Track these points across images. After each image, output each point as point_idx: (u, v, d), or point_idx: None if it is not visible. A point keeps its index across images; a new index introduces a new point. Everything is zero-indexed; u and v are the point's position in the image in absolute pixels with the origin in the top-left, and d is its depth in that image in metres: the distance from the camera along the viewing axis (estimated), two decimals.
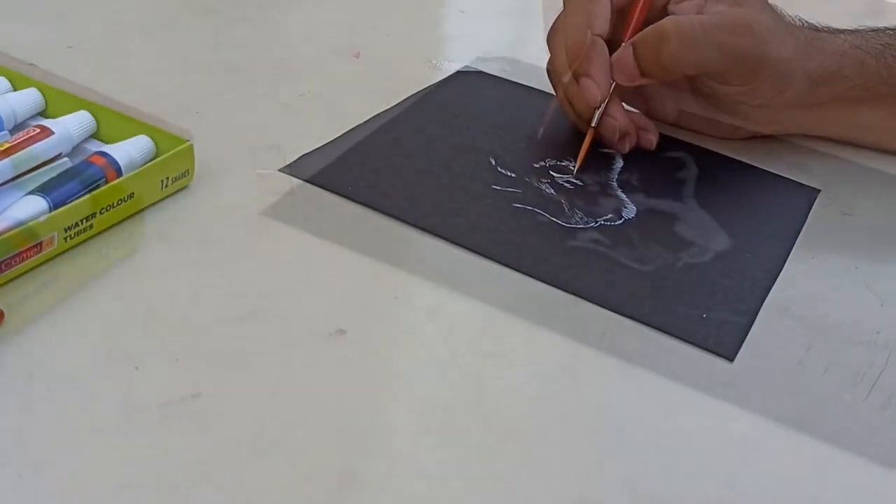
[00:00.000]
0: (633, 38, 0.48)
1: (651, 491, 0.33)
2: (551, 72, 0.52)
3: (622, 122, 0.50)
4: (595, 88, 0.49)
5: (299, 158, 0.48)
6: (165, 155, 0.41)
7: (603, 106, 0.49)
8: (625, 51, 0.48)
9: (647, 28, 0.48)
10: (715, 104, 0.52)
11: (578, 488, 0.33)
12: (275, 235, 0.42)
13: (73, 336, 0.36)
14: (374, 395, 0.36)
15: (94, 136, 0.44)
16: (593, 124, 0.50)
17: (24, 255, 0.36)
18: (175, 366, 0.35)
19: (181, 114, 0.49)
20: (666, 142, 0.53)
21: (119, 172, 0.41)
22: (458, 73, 0.59)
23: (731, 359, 0.39)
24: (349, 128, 0.51)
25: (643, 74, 0.48)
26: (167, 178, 0.42)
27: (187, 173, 0.43)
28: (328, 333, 0.37)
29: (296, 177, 0.46)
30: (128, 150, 0.42)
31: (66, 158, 0.43)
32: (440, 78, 0.58)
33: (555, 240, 0.44)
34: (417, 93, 0.56)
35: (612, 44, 0.50)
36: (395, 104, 0.54)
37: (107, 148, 0.41)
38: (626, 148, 0.51)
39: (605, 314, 0.40)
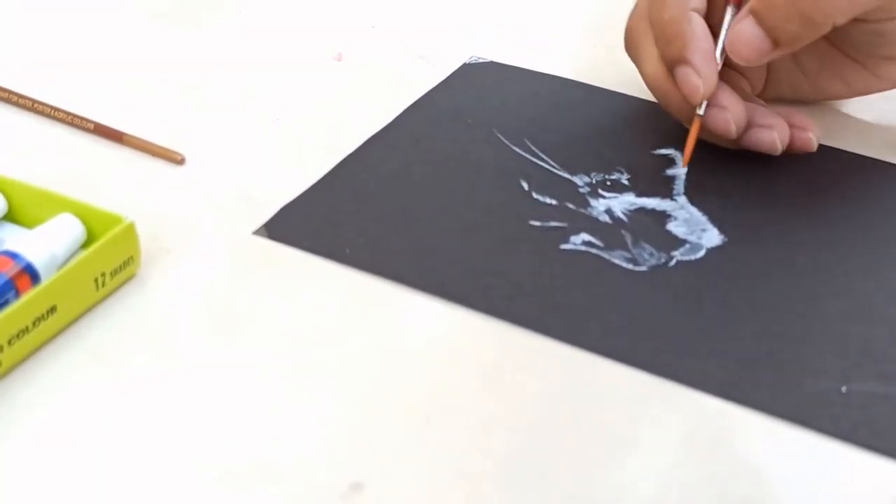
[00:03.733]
0: (752, 5, 0.37)
1: None
2: (642, 70, 0.42)
3: (737, 112, 0.38)
4: (695, 78, 0.38)
5: (278, 213, 0.37)
6: (97, 243, 0.31)
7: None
8: (742, 23, 0.37)
9: None
10: (850, 56, 0.41)
11: None
12: (255, 335, 0.32)
13: None
14: None
15: (5, 217, 0.34)
16: (700, 113, 0.39)
17: None
18: None
19: (115, 158, 0.39)
20: (653, 140, 0.42)
21: (35, 278, 0.30)
22: (465, 66, 0.48)
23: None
24: (338, 159, 0.40)
25: (777, 44, 0.37)
26: (103, 275, 0.31)
27: (130, 261, 0.32)
28: (341, 491, 0.26)
29: (275, 240, 0.36)
30: (46, 243, 0.31)
31: None
32: (438, 74, 0.47)
33: (624, 293, 0.34)
34: (419, 99, 0.45)
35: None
36: (394, 118, 0.43)
37: (16, 244, 0.31)
38: (778, 147, 0.39)
39: (713, 406, 0.30)
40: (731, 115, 0.38)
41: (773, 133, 0.39)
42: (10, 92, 0.42)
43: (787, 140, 0.39)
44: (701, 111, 0.38)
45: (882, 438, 0.28)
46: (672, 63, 0.39)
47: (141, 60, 0.47)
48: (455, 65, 0.48)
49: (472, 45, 0.51)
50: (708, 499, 0.27)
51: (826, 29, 0.37)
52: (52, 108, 0.42)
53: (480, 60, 0.49)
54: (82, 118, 0.41)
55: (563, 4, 0.57)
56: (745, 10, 0.37)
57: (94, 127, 0.41)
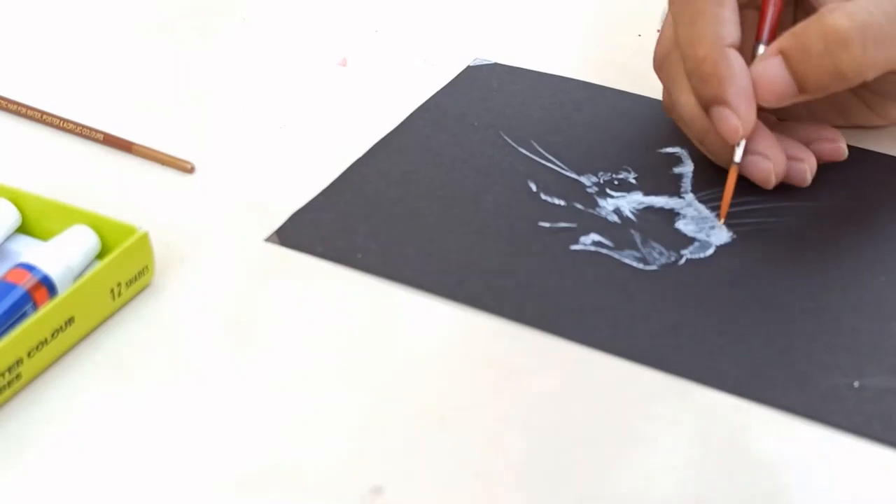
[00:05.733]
0: (783, 46, 0.35)
1: None
2: (672, 108, 0.40)
3: (777, 161, 0.37)
4: (734, 119, 0.36)
5: (289, 220, 0.37)
6: (113, 254, 0.31)
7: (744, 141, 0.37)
8: (769, 63, 0.35)
9: (799, 31, 0.35)
10: (856, 93, 0.40)
11: None
12: (274, 338, 0.32)
13: None
14: None
15: (19, 229, 0.34)
16: (736, 160, 0.37)
17: None
18: None
19: (125, 168, 0.39)
20: (660, 138, 0.43)
21: (52, 290, 0.30)
22: (469, 68, 0.49)
23: None
24: (347, 164, 0.41)
25: (803, 90, 0.35)
26: (119, 285, 0.31)
27: (145, 271, 0.32)
28: (361, 494, 0.27)
29: (287, 246, 0.36)
30: (61, 255, 0.31)
31: None
32: (443, 77, 0.47)
33: (635, 292, 0.34)
34: (424, 103, 0.45)
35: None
36: (400, 122, 0.44)
37: (32, 256, 0.31)
38: (808, 179, 0.39)
39: (727, 403, 0.30)
40: (772, 165, 0.37)
41: (804, 166, 0.38)
42: (19, 104, 0.43)
43: (815, 169, 0.39)
44: (738, 157, 0.37)
45: (893, 435, 0.29)
46: (708, 103, 0.37)
47: (147, 70, 0.48)
48: (459, 67, 0.49)
49: (476, 46, 0.51)
50: (723, 496, 0.27)
51: (856, 83, 0.35)
52: (60, 119, 0.42)
53: (484, 62, 0.49)
54: (91, 128, 0.41)
55: (565, 4, 0.58)
56: (773, 47, 0.35)
57: (104, 137, 0.41)
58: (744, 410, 0.30)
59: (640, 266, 0.35)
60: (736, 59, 0.36)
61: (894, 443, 0.28)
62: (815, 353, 0.32)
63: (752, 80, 0.35)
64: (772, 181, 0.37)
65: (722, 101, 0.36)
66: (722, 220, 0.37)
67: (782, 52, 0.35)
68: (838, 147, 0.39)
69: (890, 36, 0.34)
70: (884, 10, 0.34)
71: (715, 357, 0.31)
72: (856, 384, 0.30)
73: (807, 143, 0.39)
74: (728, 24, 0.36)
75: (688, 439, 0.29)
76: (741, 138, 0.36)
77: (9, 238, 0.34)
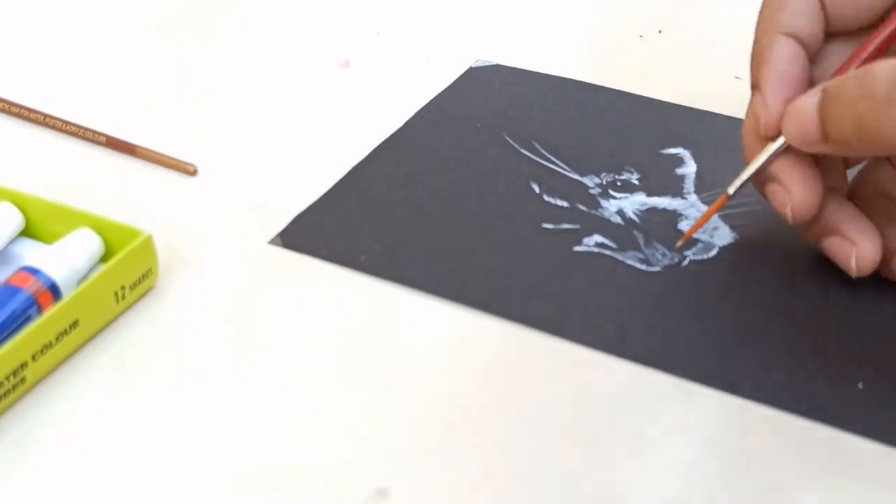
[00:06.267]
0: (827, 83, 0.31)
1: None
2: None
3: (796, 195, 0.33)
4: (761, 106, 0.33)
5: (292, 222, 0.37)
6: (116, 257, 0.31)
7: (759, 164, 0.33)
8: (807, 97, 0.31)
9: (850, 72, 0.31)
10: None
11: None
12: (278, 340, 0.32)
13: None
14: None
15: (23, 232, 0.34)
16: (730, 191, 0.34)
17: None
18: None
19: (128, 171, 0.39)
20: (662, 139, 0.43)
21: (56, 293, 0.30)
22: (471, 69, 0.49)
23: None
24: (350, 166, 0.41)
25: (825, 138, 0.31)
26: (122, 288, 0.31)
27: (149, 274, 0.32)
28: (366, 496, 0.27)
29: (291, 249, 0.36)
30: (66, 259, 0.31)
31: None
32: (445, 78, 0.47)
33: (639, 294, 0.34)
34: (427, 104, 0.45)
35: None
36: (403, 124, 0.44)
37: (36, 259, 0.31)
38: (852, 268, 0.33)
39: (732, 404, 0.30)
40: (788, 197, 0.33)
41: (850, 248, 0.33)
42: (22, 107, 0.43)
43: (869, 262, 0.33)
44: (731, 189, 0.34)
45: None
46: (752, 88, 0.34)
47: (149, 71, 0.48)
48: (461, 68, 0.49)
49: (478, 47, 0.51)
50: (731, 496, 0.27)
51: (884, 149, 0.31)
52: (63, 121, 0.42)
53: (486, 63, 0.49)
54: (94, 131, 0.41)
55: (566, 5, 0.58)
56: (820, 86, 0.31)
57: (107, 140, 0.41)
58: (749, 411, 0.30)
59: (644, 267, 0.35)
60: (785, 47, 0.33)
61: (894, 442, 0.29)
62: (818, 353, 0.32)
63: (786, 112, 0.32)
64: (788, 215, 0.33)
65: (757, 87, 0.33)
66: (679, 244, 0.36)
67: (823, 90, 0.31)
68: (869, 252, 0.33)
69: None
70: None
71: (719, 359, 0.31)
72: (860, 385, 0.30)
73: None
74: (789, 13, 0.33)
75: (694, 441, 0.29)
76: (763, 129, 0.33)
77: (12, 241, 0.34)
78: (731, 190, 0.34)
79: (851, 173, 0.36)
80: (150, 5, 0.55)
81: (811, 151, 0.32)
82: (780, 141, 0.32)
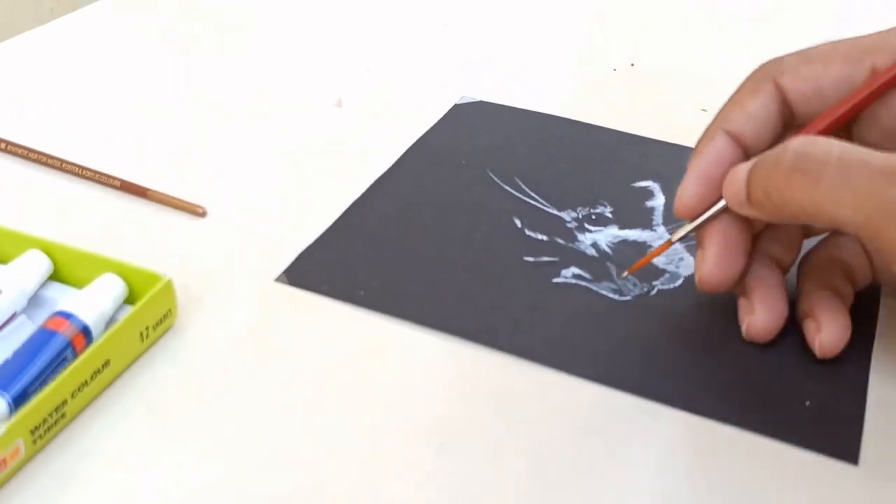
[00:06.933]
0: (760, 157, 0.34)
1: None
2: None
3: (716, 263, 0.36)
4: (688, 190, 0.36)
5: (295, 260, 0.41)
6: (141, 302, 0.34)
7: (700, 221, 0.36)
8: (747, 163, 0.34)
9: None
10: None
11: None
12: (296, 369, 0.35)
13: None
14: None
15: (51, 276, 0.37)
16: (674, 238, 0.37)
17: None
18: None
19: (141, 213, 0.42)
20: (634, 172, 0.47)
21: (88, 335, 0.34)
22: (456, 106, 0.52)
23: (854, 461, 0.32)
24: (346, 204, 0.44)
25: (748, 199, 0.34)
26: (147, 328, 0.35)
27: (169, 314, 0.36)
28: None
29: (295, 286, 0.39)
30: (95, 303, 0.34)
31: (22, 316, 0.36)
32: (432, 115, 0.51)
33: (612, 323, 0.37)
34: (416, 142, 0.49)
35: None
36: (393, 162, 0.47)
37: (68, 305, 0.34)
38: (815, 348, 0.36)
39: (697, 424, 0.33)
40: (703, 264, 0.36)
41: (747, 310, 0.37)
42: (39, 153, 0.46)
43: (830, 345, 0.35)
44: (676, 236, 0.37)
45: (840, 448, 0.32)
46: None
47: (156, 118, 0.51)
48: (448, 104, 0.52)
49: (462, 85, 0.54)
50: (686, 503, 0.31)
51: (791, 216, 0.32)
52: (80, 167, 0.45)
53: (470, 100, 0.53)
54: (109, 175, 0.45)
55: (545, 42, 0.61)
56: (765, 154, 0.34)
57: (120, 184, 0.44)
58: (711, 430, 0.33)
59: (616, 297, 0.39)
60: (720, 145, 0.36)
61: (840, 456, 0.32)
62: (775, 377, 0.35)
63: (696, 201, 0.36)
64: (702, 277, 0.36)
65: (686, 175, 0.36)
66: (625, 275, 0.39)
67: (756, 159, 0.34)
68: (813, 339, 0.36)
69: (826, 180, 0.31)
70: (843, 153, 0.31)
71: (685, 381, 0.35)
72: (807, 403, 0.34)
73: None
74: (743, 114, 0.36)
75: (665, 457, 0.32)
76: (678, 215, 0.36)
77: (42, 285, 0.37)
78: (674, 238, 0.37)
79: None
80: (153, 56, 0.58)
81: (742, 213, 0.35)
82: (722, 202, 0.36)
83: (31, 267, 0.36)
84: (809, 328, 0.36)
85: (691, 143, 0.37)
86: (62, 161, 0.46)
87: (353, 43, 0.60)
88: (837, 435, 0.33)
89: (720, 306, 0.38)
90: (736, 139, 0.36)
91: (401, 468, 0.32)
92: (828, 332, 0.35)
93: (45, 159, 0.46)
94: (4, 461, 0.29)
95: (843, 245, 0.38)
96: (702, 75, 0.57)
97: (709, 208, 0.36)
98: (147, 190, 0.44)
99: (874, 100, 0.35)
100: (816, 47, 0.36)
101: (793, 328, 0.37)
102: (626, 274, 0.39)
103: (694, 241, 0.41)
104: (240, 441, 0.33)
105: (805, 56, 0.36)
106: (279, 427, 0.33)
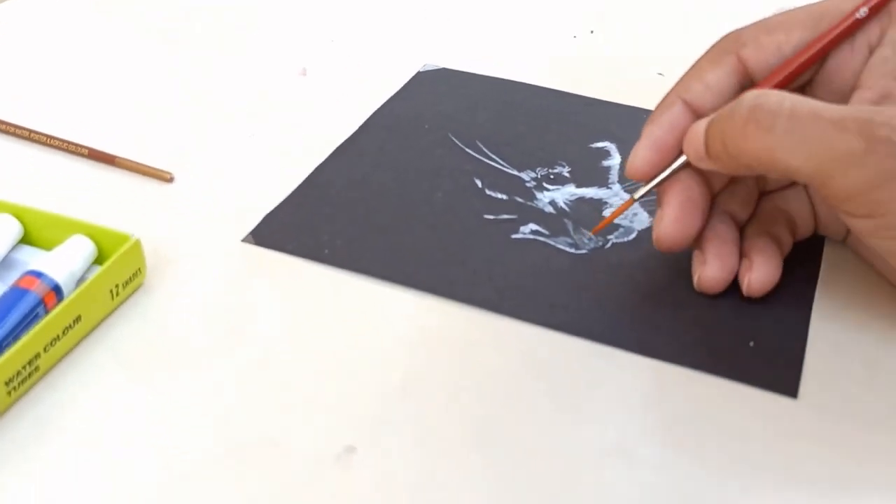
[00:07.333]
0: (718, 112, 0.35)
1: None
2: None
3: (682, 231, 0.37)
4: (639, 154, 0.37)
5: (262, 221, 0.42)
6: (111, 260, 0.35)
7: (660, 179, 0.37)
8: (705, 119, 0.35)
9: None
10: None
11: None
12: (262, 324, 0.36)
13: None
14: None
15: (22, 239, 0.38)
16: (635, 196, 0.38)
17: None
18: None
19: (109, 180, 0.43)
20: (591, 134, 0.48)
21: (59, 293, 0.35)
22: (419, 74, 0.53)
23: (794, 394, 0.34)
24: (311, 168, 0.45)
25: (707, 153, 0.35)
26: (117, 286, 0.36)
27: (138, 273, 0.37)
28: (336, 453, 0.32)
29: (262, 245, 0.40)
30: (65, 262, 0.35)
31: None
32: (396, 82, 0.52)
33: (569, 274, 0.39)
34: (379, 108, 0.50)
35: None
36: (358, 127, 0.48)
37: (39, 264, 0.35)
38: (709, 284, 0.37)
39: (648, 365, 0.35)
40: (661, 224, 0.37)
41: (743, 269, 0.37)
42: (8, 123, 0.47)
43: (758, 285, 0.37)
44: (637, 193, 0.38)
45: (781, 383, 0.34)
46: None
47: (121, 88, 0.52)
48: (409, 73, 0.53)
49: (425, 53, 0.56)
50: (646, 443, 0.32)
51: (746, 166, 0.34)
52: (47, 136, 0.46)
53: (433, 67, 0.54)
54: (77, 144, 0.45)
55: (506, 11, 0.62)
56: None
57: (88, 152, 0.45)
58: (664, 372, 0.35)
59: (573, 251, 0.40)
60: (676, 112, 0.37)
61: (783, 391, 0.34)
62: (719, 320, 0.37)
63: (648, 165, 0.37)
64: (659, 234, 0.37)
65: (641, 137, 0.38)
66: (593, 233, 0.41)
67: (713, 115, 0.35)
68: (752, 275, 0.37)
69: (777, 130, 0.32)
70: (795, 106, 0.32)
71: (636, 326, 0.37)
72: (751, 344, 0.36)
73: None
74: (700, 84, 0.37)
75: (616, 399, 0.34)
76: (638, 176, 0.38)
77: (13, 248, 0.38)
78: (636, 196, 0.39)
79: None
80: (116, 27, 0.58)
81: (701, 167, 0.36)
82: (683, 158, 0.37)
83: (2, 230, 0.37)
84: (742, 267, 0.38)
85: (648, 106, 0.38)
86: (30, 131, 0.46)
87: (317, 13, 0.61)
88: (779, 371, 0.35)
89: (672, 259, 0.40)
90: (692, 108, 0.37)
91: (364, 413, 0.33)
92: (758, 273, 0.37)
93: (12, 129, 0.47)
94: None
95: (790, 198, 0.40)
96: (658, 42, 0.59)
97: (659, 173, 0.37)
98: (115, 157, 0.45)
99: (825, 53, 0.36)
100: (774, 17, 0.38)
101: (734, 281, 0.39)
102: (591, 234, 0.41)
103: (650, 198, 0.43)
104: (207, 392, 0.34)
105: (765, 26, 0.37)
106: (246, 378, 0.34)
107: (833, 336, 0.36)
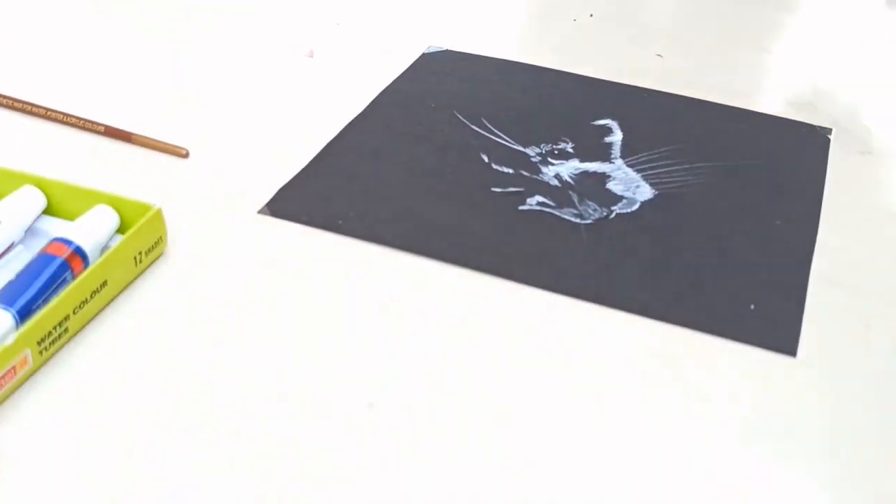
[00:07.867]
0: None
1: None
2: None
3: None
4: None
5: (277, 194, 0.43)
6: (134, 227, 0.36)
7: None
8: None
9: None
10: None
11: None
12: (268, 294, 0.38)
13: (64, 461, 0.31)
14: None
15: (45, 211, 0.40)
16: None
17: None
18: None
19: (126, 156, 0.44)
20: (593, 112, 0.49)
21: (85, 259, 0.36)
22: (424, 55, 0.55)
23: (793, 353, 0.36)
24: (322, 144, 0.46)
25: None
26: (140, 254, 0.37)
27: (160, 241, 0.38)
28: (360, 407, 0.33)
29: (277, 217, 0.42)
30: (90, 230, 0.37)
31: (20, 246, 0.38)
32: (401, 64, 0.53)
33: (574, 242, 0.40)
34: (386, 88, 0.51)
35: None
36: (366, 106, 0.50)
37: (65, 231, 0.36)
38: None
39: (649, 326, 0.37)
40: None
41: None
42: (26, 102, 0.48)
43: None
44: None
45: (782, 341, 0.36)
46: None
47: (138, 70, 0.53)
48: (415, 55, 0.55)
49: (429, 35, 0.57)
50: (656, 405, 0.34)
51: None
52: (64, 114, 0.47)
53: (437, 49, 0.55)
54: (93, 122, 0.47)
55: None
56: None
57: (105, 129, 0.46)
58: (663, 332, 0.36)
59: (578, 221, 0.42)
60: None
61: (782, 350, 0.35)
62: (721, 284, 0.38)
63: None
64: None
65: None
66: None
67: None
68: None
69: None
70: None
71: (638, 290, 0.38)
72: (752, 307, 0.37)
73: None
74: None
75: (623, 358, 0.35)
76: None
77: (37, 219, 0.39)
78: None
79: None
80: (133, 13, 0.60)
81: None
82: None
83: (27, 201, 0.39)
84: None
85: (647, 86, 0.39)
86: (46, 109, 0.47)
87: None
88: (778, 331, 0.36)
89: (672, 225, 0.41)
90: None
91: (387, 369, 0.34)
92: None
93: (30, 108, 0.48)
94: (14, 369, 0.32)
95: None
96: (655, 25, 0.60)
97: None
98: (132, 134, 0.46)
99: None
100: None
101: (743, 241, 0.40)
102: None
103: (652, 171, 0.44)
104: (228, 352, 0.35)
105: None
106: (265, 336, 0.36)
107: (830, 297, 0.38)
